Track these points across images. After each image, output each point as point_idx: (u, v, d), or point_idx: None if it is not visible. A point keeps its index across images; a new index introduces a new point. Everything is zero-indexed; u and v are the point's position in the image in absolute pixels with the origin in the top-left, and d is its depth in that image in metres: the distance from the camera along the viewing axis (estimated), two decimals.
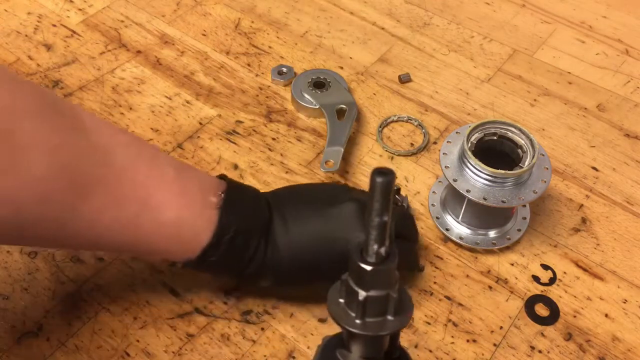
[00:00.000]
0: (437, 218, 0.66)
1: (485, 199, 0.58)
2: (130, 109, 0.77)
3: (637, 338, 0.59)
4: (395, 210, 0.56)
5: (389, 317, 0.36)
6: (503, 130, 0.62)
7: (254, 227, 0.52)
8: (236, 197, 0.53)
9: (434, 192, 0.69)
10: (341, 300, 0.37)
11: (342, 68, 0.84)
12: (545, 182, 0.60)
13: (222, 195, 0.52)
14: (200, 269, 0.53)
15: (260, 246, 0.52)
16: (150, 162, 0.49)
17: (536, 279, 0.63)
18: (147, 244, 0.49)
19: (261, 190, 0.57)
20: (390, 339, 0.39)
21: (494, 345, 0.58)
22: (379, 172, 0.32)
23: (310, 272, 0.54)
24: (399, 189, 0.67)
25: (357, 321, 0.36)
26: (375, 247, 0.34)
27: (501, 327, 0.59)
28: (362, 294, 0.35)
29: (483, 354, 0.58)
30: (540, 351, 0.58)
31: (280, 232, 0.53)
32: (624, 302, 0.62)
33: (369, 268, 0.35)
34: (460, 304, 0.61)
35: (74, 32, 0.87)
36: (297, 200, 0.56)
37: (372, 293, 0.35)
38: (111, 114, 0.76)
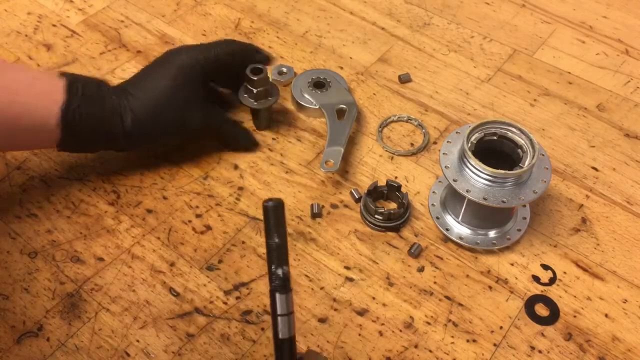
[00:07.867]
0: (437, 218, 0.66)
1: (485, 199, 0.58)
2: None
3: (637, 338, 0.59)
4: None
5: None
6: (503, 130, 0.62)
7: (100, 82, 0.65)
8: (75, 74, 0.64)
9: (434, 192, 0.69)
10: None
11: (342, 68, 0.84)
12: (545, 182, 0.60)
13: (62, 73, 0.63)
14: (72, 137, 0.61)
15: (113, 95, 0.64)
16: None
17: (536, 279, 0.63)
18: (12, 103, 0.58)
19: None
20: None
21: (494, 345, 0.58)
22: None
23: (159, 117, 0.65)
24: (399, 186, 0.67)
25: None
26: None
27: (501, 327, 0.59)
28: None
29: (483, 354, 0.58)
30: (540, 351, 0.58)
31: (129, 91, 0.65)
32: (624, 302, 0.62)
33: None
34: (460, 304, 0.61)
35: (74, 32, 0.87)
36: (140, 75, 0.68)
37: None
38: None
